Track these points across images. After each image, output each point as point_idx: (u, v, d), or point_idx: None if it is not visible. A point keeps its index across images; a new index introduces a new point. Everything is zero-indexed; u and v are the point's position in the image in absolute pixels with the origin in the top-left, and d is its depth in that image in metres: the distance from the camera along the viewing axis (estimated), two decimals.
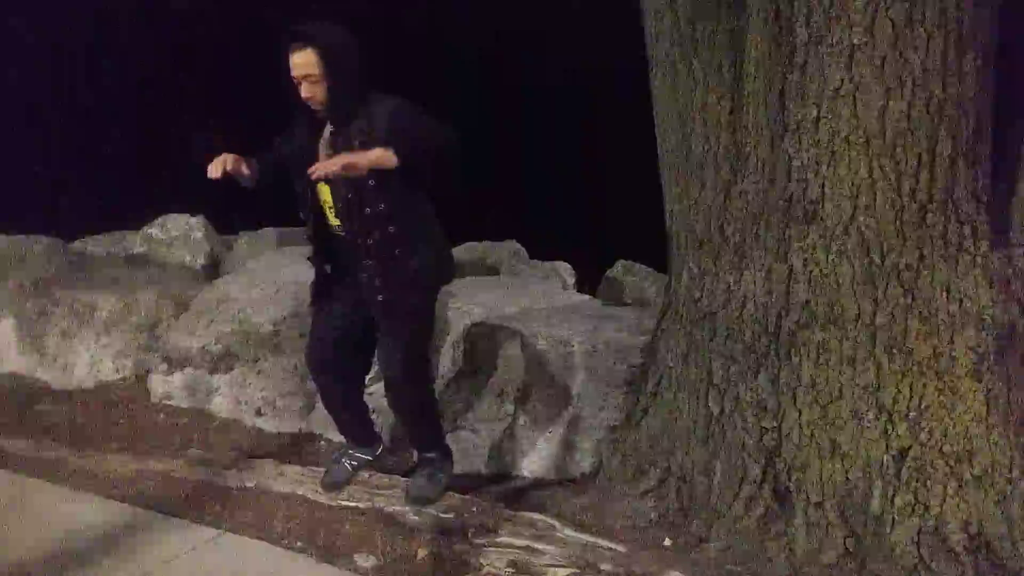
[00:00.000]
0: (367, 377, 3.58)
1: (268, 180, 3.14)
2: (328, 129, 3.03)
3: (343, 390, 3.39)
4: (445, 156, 2.93)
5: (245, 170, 3.01)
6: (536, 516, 3.22)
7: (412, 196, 3.07)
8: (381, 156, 2.79)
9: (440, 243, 3.22)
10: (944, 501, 2.73)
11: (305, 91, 2.93)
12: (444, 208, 3.18)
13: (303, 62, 2.89)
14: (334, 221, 3.12)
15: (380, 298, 3.08)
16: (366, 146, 2.85)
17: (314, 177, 2.84)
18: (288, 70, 2.93)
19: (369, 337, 3.29)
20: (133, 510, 3.38)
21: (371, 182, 2.93)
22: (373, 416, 3.74)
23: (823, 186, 2.79)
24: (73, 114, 11.72)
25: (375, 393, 3.69)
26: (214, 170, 2.93)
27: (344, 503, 3.34)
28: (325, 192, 3.08)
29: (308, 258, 3.31)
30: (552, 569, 2.92)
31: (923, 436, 2.75)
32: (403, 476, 3.52)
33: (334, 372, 3.32)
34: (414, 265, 3.06)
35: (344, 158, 2.78)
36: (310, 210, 3.15)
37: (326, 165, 2.79)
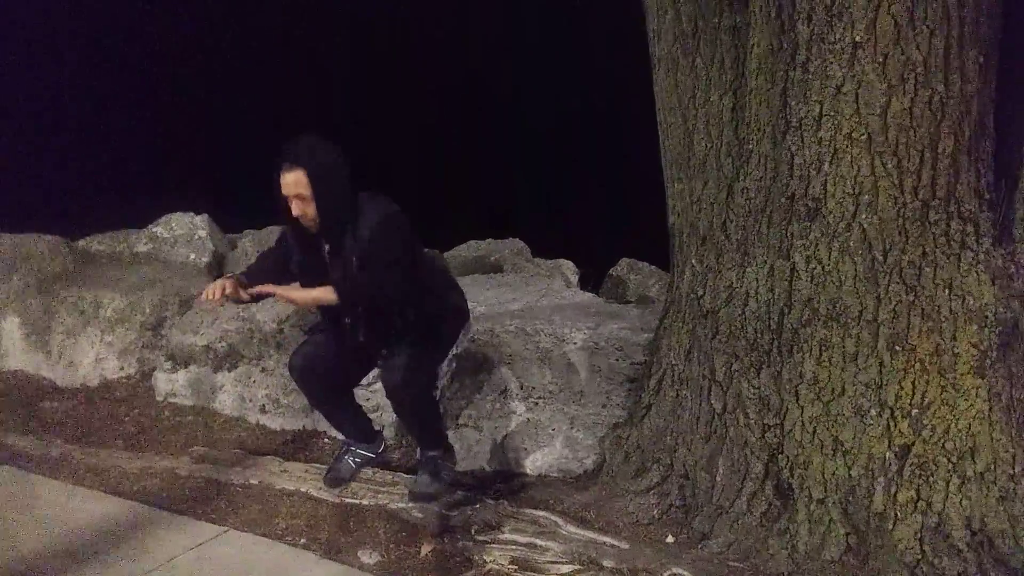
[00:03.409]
0: (369, 375, 3.59)
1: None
2: (326, 247, 3.11)
3: (330, 396, 3.41)
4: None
5: (244, 295, 3.07)
6: (539, 513, 3.22)
7: (416, 284, 3.14)
8: (319, 297, 3.05)
9: (449, 301, 3.34)
10: (947, 498, 2.73)
11: (296, 209, 3.01)
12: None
13: (293, 181, 2.97)
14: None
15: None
16: (362, 261, 3.03)
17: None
18: (279, 188, 3.01)
19: (357, 370, 3.42)
20: (138, 507, 3.39)
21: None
22: (375, 414, 3.75)
23: (825, 183, 2.79)
24: (77, 113, 11.75)
25: (378, 391, 3.69)
26: (210, 296, 3.01)
27: (348, 500, 3.36)
28: None
29: (310, 329, 3.39)
30: (555, 566, 2.93)
31: (925, 433, 2.75)
32: (406, 473, 3.53)
33: (318, 383, 3.35)
34: (426, 323, 3.19)
35: (287, 294, 3.04)
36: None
37: (276, 290, 3.04)
